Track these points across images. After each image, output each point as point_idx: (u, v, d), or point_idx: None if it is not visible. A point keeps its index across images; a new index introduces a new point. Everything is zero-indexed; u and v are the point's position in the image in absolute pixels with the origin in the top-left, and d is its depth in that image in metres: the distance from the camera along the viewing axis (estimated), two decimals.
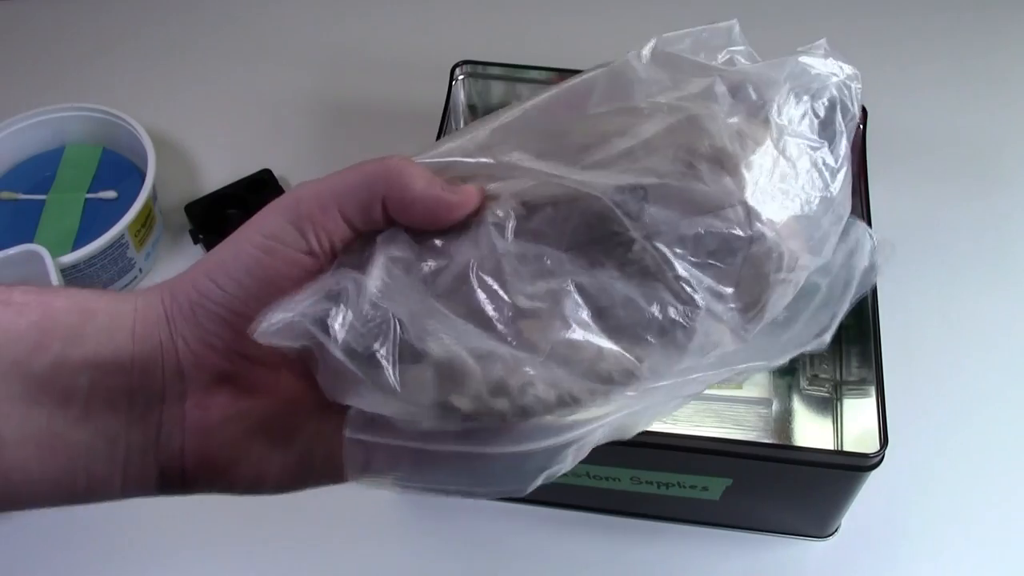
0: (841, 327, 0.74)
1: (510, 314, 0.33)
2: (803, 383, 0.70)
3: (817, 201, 0.36)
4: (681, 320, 0.34)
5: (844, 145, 0.36)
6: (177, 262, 0.81)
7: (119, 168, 0.84)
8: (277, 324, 0.32)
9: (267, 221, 0.34)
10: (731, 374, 0.36)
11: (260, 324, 0.31)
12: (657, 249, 0.34)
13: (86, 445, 0.33)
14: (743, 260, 0.34)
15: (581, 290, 0.34)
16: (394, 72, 0.92)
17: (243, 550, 0.66)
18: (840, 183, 0.36)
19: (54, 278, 0.68)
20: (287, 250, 0.33)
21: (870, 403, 0.60)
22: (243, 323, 0.32)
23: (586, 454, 0.36)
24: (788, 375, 0.71)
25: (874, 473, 0.58)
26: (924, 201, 0.83)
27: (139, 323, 0.33)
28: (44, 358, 0.32)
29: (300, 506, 0.68)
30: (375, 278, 0.33)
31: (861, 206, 0.69)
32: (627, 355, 0.34)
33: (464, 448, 0.33)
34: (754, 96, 0.36)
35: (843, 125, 0.36)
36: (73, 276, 0.74)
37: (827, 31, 1.03)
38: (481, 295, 0.33)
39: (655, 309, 0.34)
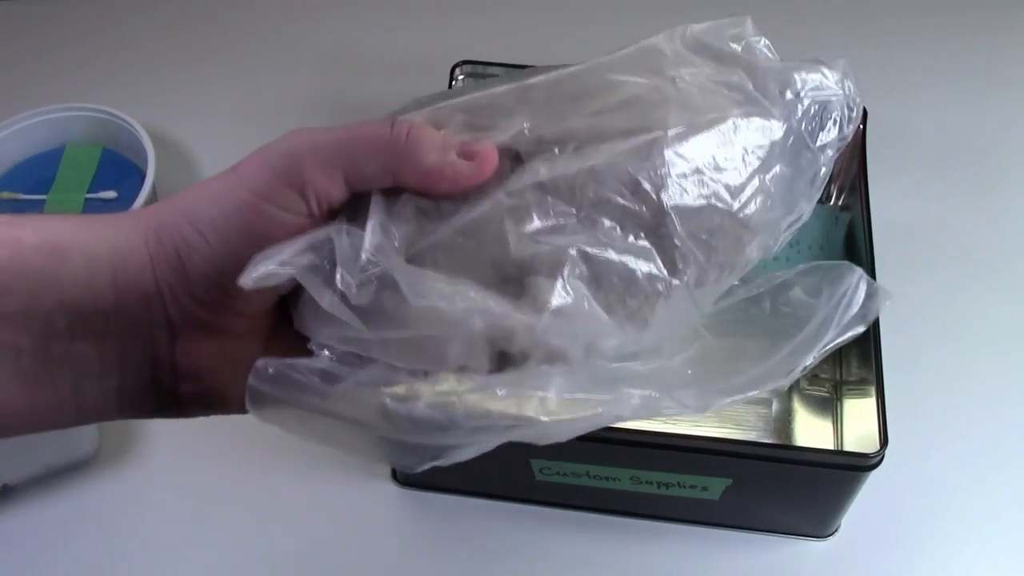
0: None
1: (511, 273, 0.33)
2: (803, 383, 0.70)
3: (797, 202, 0.36)
4: (662, 290, 0.34)
5: (831, 159, 0.37)
6: None
7: (119, 168, 0.84)
8: (264, 273, 0.31)
9: (259, 178, 0.32)
10: (675, 407, 0.34)
11: (249, 274, 0.31)
12: (666, 213, 0.34)
13: (72, 381, 0.32)
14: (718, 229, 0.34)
15: (584, 256, 0.33)
16: (394, 72, 0.92)
17: (243, 551, 0.66)
18: (817, 192, 0.37)
19: None
20: (284, 214, 0.32)
21: (870, 403, 0.60)
22: (230, 283, 0.31)
23: (490, 447, 0.35)
24: None
25: (874, 473, 0.58)
26: (924, 201, 0.83)
27: (120, 271, 0.32)
28: (15, 302, 0.31)
29: (301, 506, 0.68)
30: (371, 232, 0.32)
31: (861, 206, 0.69)
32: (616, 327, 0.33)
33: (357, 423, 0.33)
34: (772, 87, 0.36)
35: (836, 142, 0.37)
36: None
37: (827, 31, 1.03)
38: (480, 254, 0.33)
39: (645, 281, 0.34)
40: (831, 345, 0.36)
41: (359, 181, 0.32)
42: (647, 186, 0.34)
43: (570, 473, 0.63)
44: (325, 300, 0.31)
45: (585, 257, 0.33)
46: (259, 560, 0.66)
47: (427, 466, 0.34)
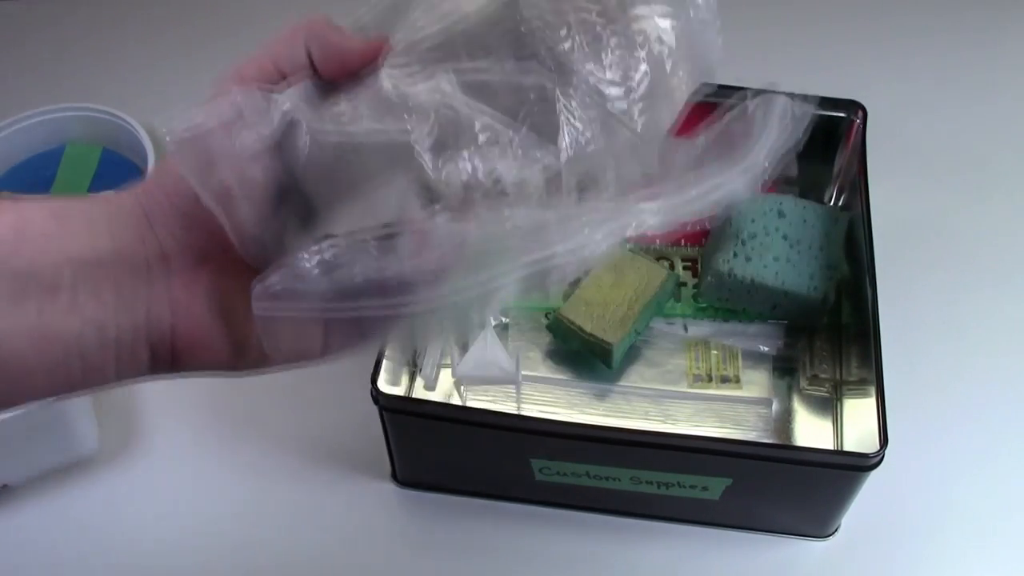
0: (841, 327, 0.75)
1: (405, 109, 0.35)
2: (803, 383, 0.70)
3: (699, 11, 0.37)
4: (558, 93, 0.35)
5: None
6: None
7: (119, 168, 0.84)
8: (189, 124, 0.34)
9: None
10: (656, 217, 0.35)
11: (172, 122, 0.35)
12: (536, 34, 0.35)
13: (77, 334, 0.34)
14: (624, 44, 0.36)
15: (461, 76, 0.35)
16: None
17: (243, 551, 0.66)
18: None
19: None
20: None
21: (870, 403, 0.60)
22: None
23: (497, 310, 0.35)
24: (788, 375, 0.71)
25: (874, 473, 0.58)
26: (924, 201, 0.83)
27: (115, 221, 0.36)
28: (23, 258, 0.34)
29: (301, 506, 0.68)
30: (287, 93, 0.36)
31: (861, 206, 0.69)
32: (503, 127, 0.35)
33: (366, 312, 0.34)
34: None
35: None
36: None
37: (827, 30, 1.02)
38: (372, 98, 0.36)
39: (529, 81, 0.35)
40: (778, 149, 0.37)
41: (285, 63, 0.38)
42: (510, 23, 0.35)
43: (570, 473, 0.63)
44: (241, 139, 0.34)
45: (460, 73, 0.35)
46: (259, 560, 0.66)
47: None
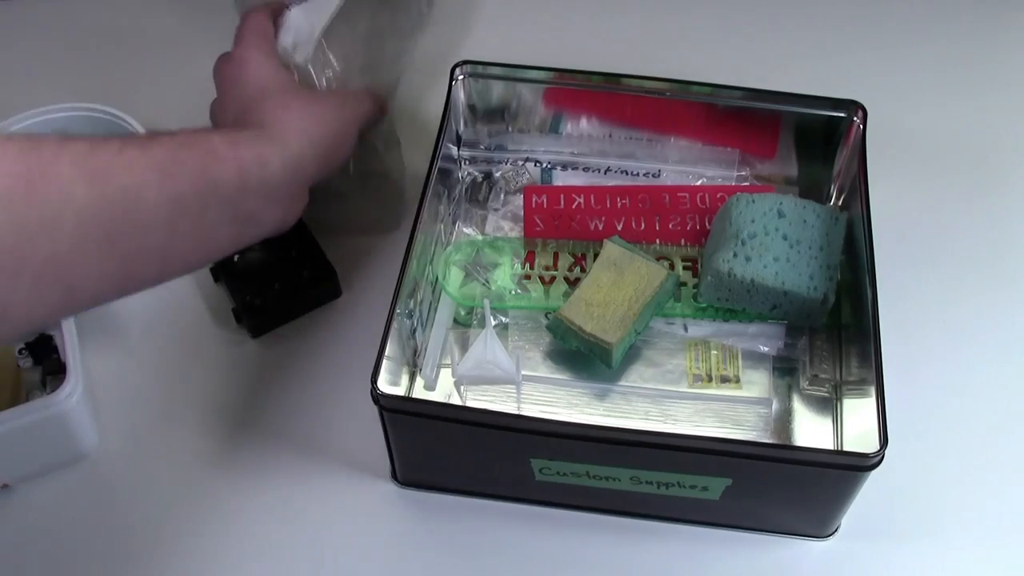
0: (841, 327, 0.75)
1: None
2: (803, 383, 0.70)
3: None
4: None
5: None
6: None
7: None
8: None
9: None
10: None
11: None
12: None
13: (272, 223, 0.59)
14: None
15: None
16: None
17: (242, 550, 0.66)
18: None
19: None
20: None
21: (870, 403, 0.60)
22: None
23: None
24: (788, 375, 0.71)
25: (874, 473, 0.58)
26: (924, 201, 0.83)
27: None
28: (233, 192, 0.55)
29: (300, 505, 0.68)
30: None
31: (861, 206, 0.69)
32: None
33: None
34: None
35: None
36: None
37: (827, 30, 1.02)
38: None
39: None
40: None
41: None
42: None
43: (570, 473, 0.63)
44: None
45: None
46: (258, 559, 0.66)
47: None
